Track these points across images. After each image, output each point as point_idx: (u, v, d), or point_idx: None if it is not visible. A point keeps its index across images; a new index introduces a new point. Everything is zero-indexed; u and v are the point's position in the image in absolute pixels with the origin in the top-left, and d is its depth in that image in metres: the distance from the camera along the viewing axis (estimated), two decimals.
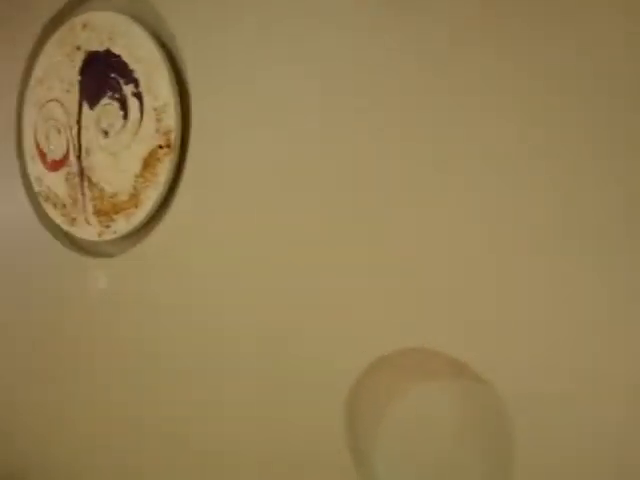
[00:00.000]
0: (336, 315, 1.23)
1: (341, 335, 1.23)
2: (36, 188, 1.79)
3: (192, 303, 1.47)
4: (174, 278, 1.51)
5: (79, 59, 1.65)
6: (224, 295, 1.41)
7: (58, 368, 1.81)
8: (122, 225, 1.58)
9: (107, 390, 1.67)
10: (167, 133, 1.48)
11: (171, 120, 1.47)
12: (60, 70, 1.70)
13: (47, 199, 1.76)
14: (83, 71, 1.65)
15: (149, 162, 1.52)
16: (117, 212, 1.59)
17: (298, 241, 1.29)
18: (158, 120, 1.50)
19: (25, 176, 1.85)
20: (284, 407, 1.31)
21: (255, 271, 1.36)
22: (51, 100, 1.73)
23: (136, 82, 1.53)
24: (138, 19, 1.55)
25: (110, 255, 1.68)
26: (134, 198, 1.55)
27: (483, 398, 1.18)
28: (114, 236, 1.60)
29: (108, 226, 1.61)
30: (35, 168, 1.79)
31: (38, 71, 1.76)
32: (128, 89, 1.55)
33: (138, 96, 1.53)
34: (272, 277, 1.33)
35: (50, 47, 1.73)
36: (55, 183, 1.74)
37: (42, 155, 1.77)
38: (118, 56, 1.57)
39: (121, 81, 1.56)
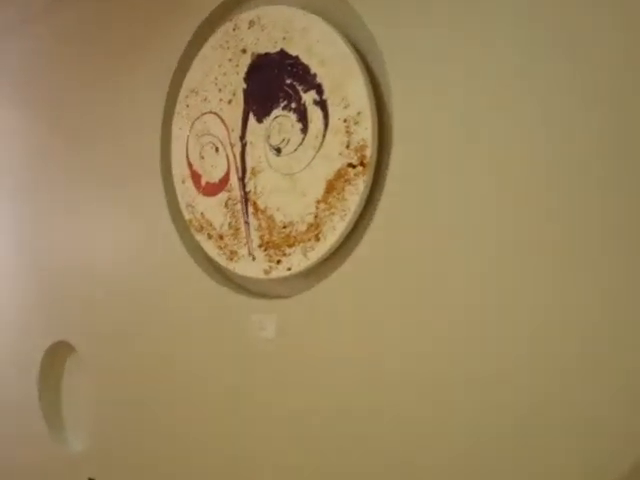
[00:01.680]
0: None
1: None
2: (186, 216, 1.72)
3: (384, 361, 1.32)
4: (361, 327, 1.37)
5: (244, 63, 1.57)
6: (423, 357, 1.25)
7: (202, 420, 1.71)
8: (298, 261, 1.46)
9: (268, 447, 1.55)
10: (361, 149, 1.35)
11: (367, 132, 1.34)
12: (220, 77, 1.62)
13: (200, 229, 1.67)
14: (249, 77, 1.57)
15: (335, 185, 1.39)
16: (291, 245, 1.47)
17: (535, 302, 1.10)
18: (348, 133, 1.37)
19: (172, 202, 1.78)
20: None
21: (473, 331, 1.18)
22: (207, 113, 1.66)
23: (319, 88, 1.42)
24: (320, 14, 1.44)
25: (278, 296, 1.56)
26: (314, 228, 1.43)
27: None
28: (286, 274, 1.49)
29: (279, 262, 1.50)
30: (186, 193, 1.72)
31: (191, 80, 1.70)
32: (308, 97, 1.44)
33: (322, 105, 1.41)
34: (495, 341, 1.14)
35: (207, 51, 1.66)
36: (211, 210, 1.65)
37: (195, 177, 1.69)
38: (295, 58, 1.47)
39: (299, 88, 1.45)
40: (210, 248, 1.67)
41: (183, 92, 1.72)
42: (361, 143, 1.35)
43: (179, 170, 1.74)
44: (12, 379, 2.51)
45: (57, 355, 2.34)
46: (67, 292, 2.22)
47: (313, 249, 1.44)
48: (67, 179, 2.20)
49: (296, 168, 1.46)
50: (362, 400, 1.36)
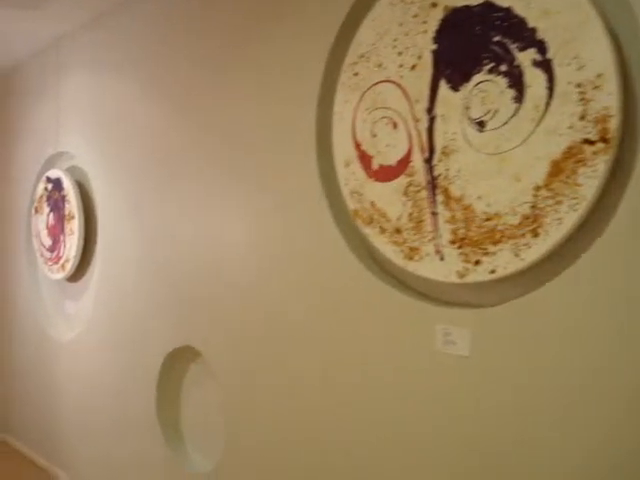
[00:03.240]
0: None
1: None
2: (351, 205, 1.57)
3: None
4: (594, 349, 1.16)
5: (435, 20, 1.41)
6: None
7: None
8: (506, 261, 1.28)
9: None
10: (602, 120, 1.15)
11: (611, 99, 1.14)
12: (400, 39, 1.47)
13: (369, 221, 1.52)
14: (441, 37, 1.41)
15: (563, 166, 1.20)
16: (497, 242, 1.29)
17: None
18: (584, 101, 1.18)
19: (331, 189, 1.64)
20: None
21: None
22: (383, 82, 1.51)
23: (541, 46, 1.24)
24: None
25: (468, 304, 1.38)
26: (531, 221, 1.25)
27: None
28: (489, 277, 1.31)
29: (478, 262, 1.32)
30: (351, 178, 1.57)
31: (360, 43, 1.56)
32: (525, 57, 1.26)
33: (544, 66, 1.23)
34: None
35: (382, 8, 1.52)
36: (385, 198, 1.50)
37: (365, 159, 1.54)
38: (506, 10, 1.29)
39: (512, 47, 1.27)
40: (382, 244, 1.51)
41: (350, 58, 1.58)
42: (602, 113, 1.15)
43: (342, 151, 1.60)
44: (129, 388, 2.45)
45: (178, 362, 2.26)
46: (193, 294, 2.13)
47: (529, 247, 1.25)
48: (199, 168, 2.10)
49: (506, 146, 1.28)
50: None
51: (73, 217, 2.86)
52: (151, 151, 2.35)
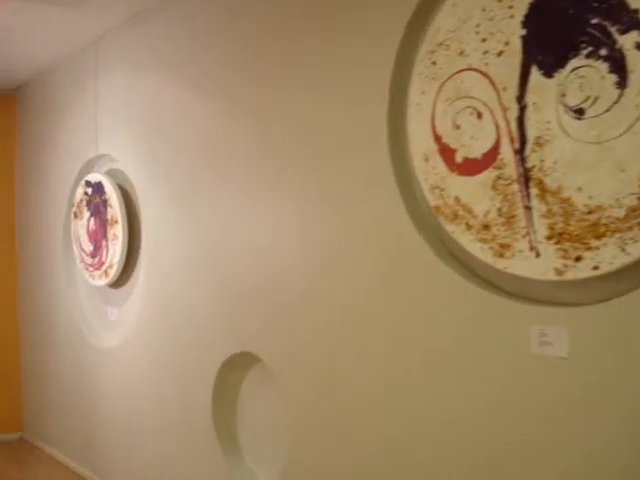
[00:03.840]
0: None
1: None
2: (432, 201, 1.54)
3: None
4: None
5: (523, 3, 1.38)
6: None
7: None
8: (610, 257, 1.25)
9: None
10: None
11: None
12: (484, 24, 1.45)
13: (453, 217, 1.49)
14: (530, 21, 1.37)
15: None
16: (601, 236, 1.26)
17: None
18: None
19: (406, 185, 1.62)
20: None
21: None
22: (465, 70, 1.49)
23: None
24: None
25: (565, 303, 1.35)
26: (639, 213, 1.20)
27: None
28: (592, 274, 1.28)
29: (579, 258, 1.29)
30: (431, 172, 1.55)
31: (438, 30, 1.53)
32: (627, 40, 1.23)
33: None
34: None
35: None
36: (471, 193, 1.48)
37: (446, 153, 1.52)
38: None
39: (612, 29, 1.24)
40: (468, 241, 1.48)
41: (426, 47, 1.55)
42: None
43: (420, 145, 1.57)
44: (181, 396, 2.44)
45: (236, 369, 2.25)
46: (250, 297, 2.11)
47: (636, 241, 1.22)
48: (254, 167, 2.09)
49: (609, 134, 1.25)
50: None
51: (116, 222, 2.86)
52: (200, 151, 2.34)
